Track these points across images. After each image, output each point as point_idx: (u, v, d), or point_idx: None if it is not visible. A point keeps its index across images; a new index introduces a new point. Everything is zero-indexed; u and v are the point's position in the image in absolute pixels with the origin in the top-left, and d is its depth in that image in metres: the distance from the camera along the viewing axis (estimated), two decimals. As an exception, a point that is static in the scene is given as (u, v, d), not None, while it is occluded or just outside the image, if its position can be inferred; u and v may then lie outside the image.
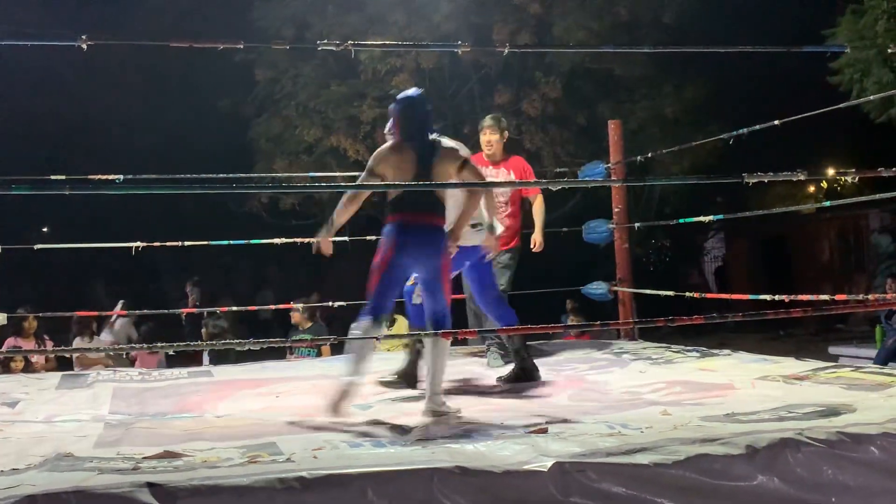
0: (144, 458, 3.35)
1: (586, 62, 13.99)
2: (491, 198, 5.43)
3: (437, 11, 13.92)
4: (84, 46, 3.25)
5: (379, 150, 4.80)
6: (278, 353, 7.98)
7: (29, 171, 7.15)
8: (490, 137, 6.34)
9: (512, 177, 6.27)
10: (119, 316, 9.06)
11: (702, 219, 6.64)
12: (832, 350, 11.12)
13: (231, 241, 7.47)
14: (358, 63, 13.85)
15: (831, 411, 3.86)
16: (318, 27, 14.27)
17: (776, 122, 6.25)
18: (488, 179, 6.16)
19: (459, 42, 3.67)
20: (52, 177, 6.81)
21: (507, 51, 3.92)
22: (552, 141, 14.14)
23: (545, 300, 6.75)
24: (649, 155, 7.60)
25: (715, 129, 13.33)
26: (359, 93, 14.27)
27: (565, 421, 3.86)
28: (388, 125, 4.94)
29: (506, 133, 6.46)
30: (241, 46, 3.55)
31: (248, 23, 14.66)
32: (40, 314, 7.91)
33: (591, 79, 14.45)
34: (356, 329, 4.62)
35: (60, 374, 6.43)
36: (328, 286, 20.26)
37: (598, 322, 4.76)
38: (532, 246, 6.42)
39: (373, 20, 14.07)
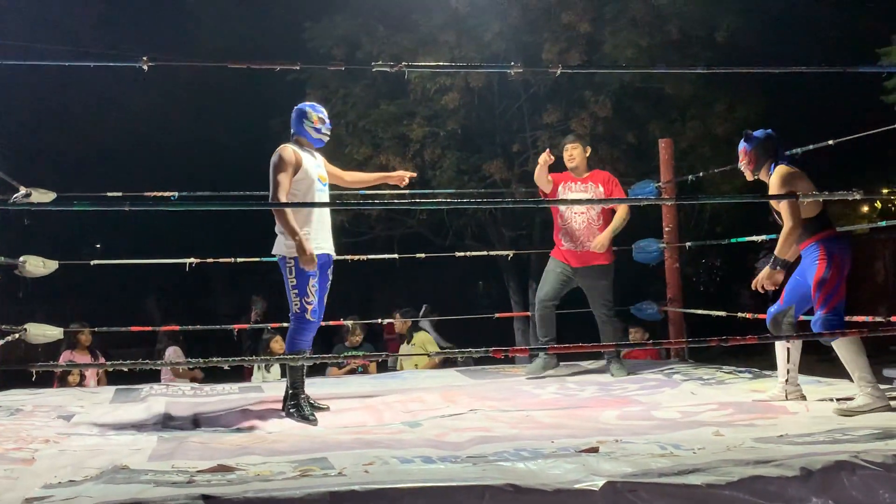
0: (199, 471, 3.40)
1: (636, 81, 13.90)
2: None
3: (487, 31, 13.95)
4: (145, 67, 3.33)
5: (788, 170, 4.93)
6: (319, 370, 8.05)
7: (85, 188, 7.31)
8: (573, 152, 6.68)
9: (601, 190, 6.63)
10: (168, 343, 9.11)
11: (754, 238, 6.58)
12: (886, 373, 10.89)
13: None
14: (407, 82, 13.91)
15: (887, 434, 3.80)
16: (368, 47, 14.37)
17: (830, 142, 6.20)
18: (579, 193, 6.65)
19: (512, 63, 3.67)
20: (110, 193, 6.94)
21: (559, 72, 3.93)
22: (602, 160, 14.04)
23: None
24: (700, 174, 7.53)
25: (767, 148, 13.22)
26: (408, 111, 14.32)
27: (616, 440, 3.84)
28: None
29: (588, 149, 6.83)
30: (298, 67, 3.61)
31: (300, 43, 14.82)
32: (95, 329, 8.05)
33: (642, 97, 14.35)
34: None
35: (114, 388, 6.53)
36: (376, 304, 20.41)
37: (652, 341, 4.71)
38: (593, 244, 6.54)
39: (423, 40, 14.13)
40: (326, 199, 5.50)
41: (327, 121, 5.50)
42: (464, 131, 14.45)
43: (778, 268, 4.89)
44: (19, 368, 5.99)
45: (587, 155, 6.77)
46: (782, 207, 4.75)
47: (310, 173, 5.29)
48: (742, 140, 5.15)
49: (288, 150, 5.23)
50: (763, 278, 4.93)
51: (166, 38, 16.97)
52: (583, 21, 13.87)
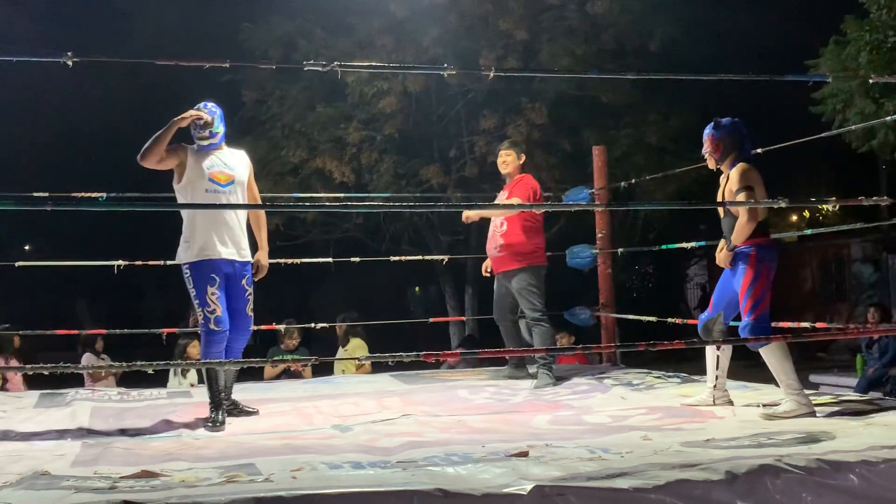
0: (122, 477, 3.33)
1: (572, 89, 14.06)
2: None
3: (424, 36, 13.97)
4: (69, 63, 3.26)
5: (750, 169, 4.92)
6: (257, 375, 7.96)
7: (11, 188, 7.12)
8: (505, 158, 6.66)
9: (505, 194, 6.62)
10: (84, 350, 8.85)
11: (684, 245, 6.69)
12: (813, 378, 11.15)
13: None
14: (345, 86, 13.86)
15: (811, 438, 3.88)
16: (305, 49, 14.28)
17: (758, 150, 6.30)
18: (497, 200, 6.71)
19: (446, 65, 3.67)
20: (37, 193, 6.77)
21: (492, 74, 3.94)
22: (537, 166, 14.13)
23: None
24: (633, 181, 7.60)
25: (700, 157, 13.43)
26: (345, 115, 14.27)
27: (546, 445, 3.86)
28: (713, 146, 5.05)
29: (523, 156, 6.77)
30: (227, 65, 3.57)
31: (236, 44, 14.66)
32: (21, 332, 7.85)
33: (577, 105, 14.50)
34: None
35: (38, 392, 6.37)
36: (310, 307, 20.27)
37: (580, 346, 4.74)
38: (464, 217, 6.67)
39: (361, 44, 14.10)
40: (229, 201, 5.12)
41: (199, 123, 5.09)
42: (401, 136, 14.44)
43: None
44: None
45: (521, 162, 6.71)
46: (741, 206, 4.79)
47: (197, 173, 5.04)
48: (710, 126, 5.09)
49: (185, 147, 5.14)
50: (723, 260, 5.04)
51: (98, 38, 16.67)
52: (520, 28, 13.97)
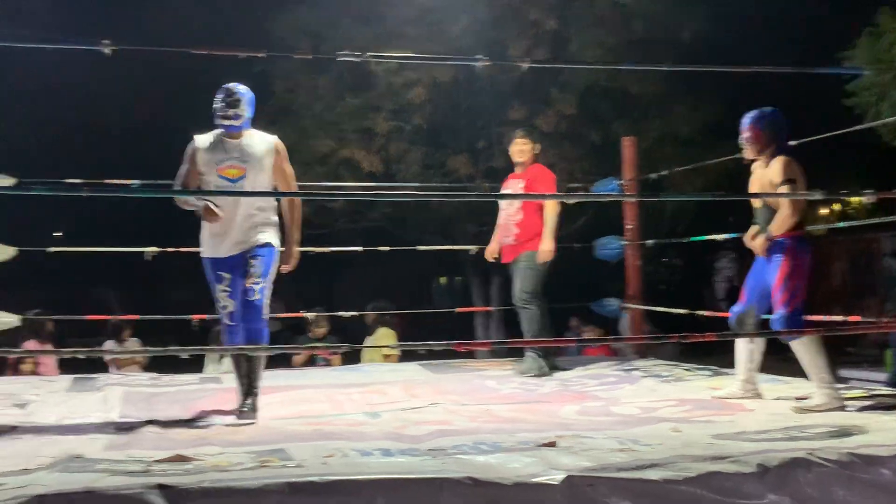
0: (155, 461, 3.37)
1: (602, 80, 13.98)
2: None
3: (453, 26, 13.94)
4: (107, 51, 3.29)
5: (792, 162, 4.89)
6: (286, 362, 8.00)
7: (46, 175, 7.19)
8: (522, 147, 6.56)
9: (522, 185, 6.51)
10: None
11: (714, 237, 6.65)
12: (843, 373, 11.06)
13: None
14: (373, 76, 13.88)
15: (843, 432, 3.86)
16: (333, 40, 14.27)
17: (791, 143, 6.25)
18: (507, 191, 6.61)
19: (478, 56, 3.66)
20: (69, 180, 6.84)
21: (527, 66, 3.91)
22: (566, 157, 14.10)
23: (554, 315, 6.79)
24: (664, 172, 7.55)
25: (729, 149, 13.30)
26: (374, 105, 14.28)
27: (575, 435, 3.86)
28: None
29: (538, 145, 6.68)
30: (264, 55, 3.59)
31: (264, 34, 14.70)
32: (55, 317, 7.93)
33: (606, 96, 14.41)
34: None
35: (72, 377, 6.44)
36: (336, 296, 20.33)
37: (612, 337, 4.73)
38: (539, 255, 6.36)
39: (389, 34, 14.08)
40: (239, 198, 4.84)
41: (219, 104, 4.85)
42: (429, 126, 14.44)
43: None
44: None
45: (536, 152, 6.63)
46: (783, 198, 4.75)
47: (207, 169, 4.86)
48: (753, 116, 5.03)
49: (193, 141, 4.94)
50: (759, 247, 4.98)
51: (127, 26, 16.76)
52: (549, 19, 13.92)
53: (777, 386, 5.43)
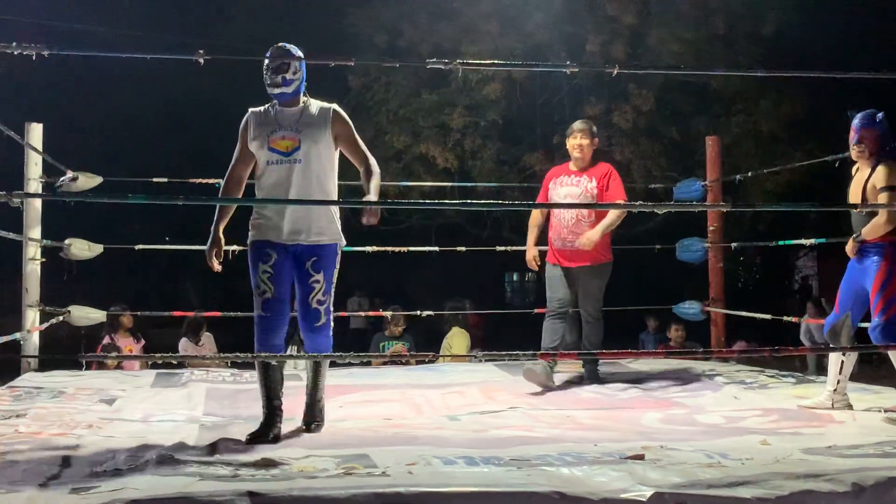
0: (242, 464, 3.40)
1: (681, 75, 13.79)
2: None
3: (529, 21, 13.88)
4: (201, 61, 3.33)
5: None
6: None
7: (128, 169, 7.34)
8: (581, 142, 6.12)
9: (593, 184, 6.07)
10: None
11: (802, 242, 6.46)
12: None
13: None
14: (449, 72, 13.89)
15: (940, 449, 3.72)
16: (409, 35, 14.36)
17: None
18: (566, 191, 6.11)
19: (568, 63, 3.62)
20: (155, 179, 6.97)
21: (616, 72, 3.80)
22: (643, 154, 13.95)
23: (626, 315, 6.69)
24: (749, 174, 7.34)
25: (812, 145, 13.04)
26: (449, 101, 14.31)
27: (662, 447, 3.79)
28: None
29: (596, 140, 6.24)
30: (352, 63, 3.59)
31: (341, 28, 14.83)
32: (137, 312, 8.10)
33: (686, 91, 14.23)
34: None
35: (155, 372, 6.57)
36: (409, 292, 20.42)
37: (702, 350, 4.64)
38: (580, 240, 5.95)
39: (465, 29, 14.10)
40: (293, 172, 4.30)
41: (266, 70, 4.35)
42: (504, 122, 14.41)
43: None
44: (64, 357, 6.05)
45: (595, 146, 6.22)
46: (883, 201, 4.63)
47: (259, 143, 4.37)
48: (866, 119, 4.84)
49: (247, 114, 4.50)
50: (850, 250, 4.89)
51: (204, 18, 17.04)
52: (627, 13, 13.78)
53: (866, 396, 5.28)
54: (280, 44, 4.36)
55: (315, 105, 4.44)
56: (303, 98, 4.42)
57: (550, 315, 6.08)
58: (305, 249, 4.33)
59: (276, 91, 4.33)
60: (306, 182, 4.29)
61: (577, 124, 6.24)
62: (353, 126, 4.51)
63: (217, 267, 4.41)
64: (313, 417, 4.48)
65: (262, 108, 4.45)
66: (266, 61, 4.29)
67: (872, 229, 4.70)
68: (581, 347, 6.19)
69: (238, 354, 3.49)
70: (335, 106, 4.49)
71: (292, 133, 4.31)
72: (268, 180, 4.33)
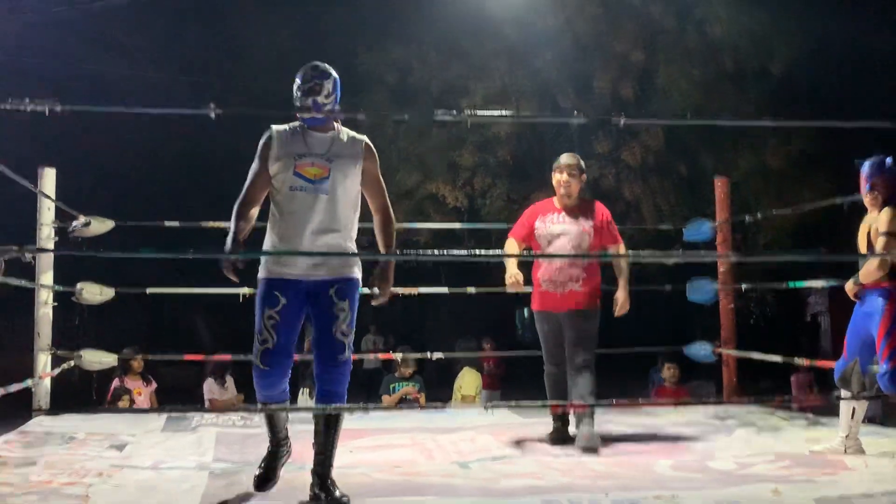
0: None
1: (690, 112, 13.83)
2: None
3: (537, 58, 13.98)
4: (212, 115, 3.37)
5: None
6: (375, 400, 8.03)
7: (141, 212, 7.38)
8: (570, 179, 5.59)
9: (589, 224, 5.58)
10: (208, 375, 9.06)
11: (813, 283, 6.43)
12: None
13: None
14: (459, 110, 13.98)
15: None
16: (419, 73, 14.47)
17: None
18: (560, 229, 5.60)
19: (576, 112, 3.65)
20: (167, 223, 7.00)
21: (623, 122, 3.77)
22: (652, 191, 13.98)
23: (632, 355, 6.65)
24: (758, 216, 7.29)
25: (821, 181, 13.04)
26: (459, 139, 14.38)
27: (673, 496, 3.77)
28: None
29: (584, 176, 5.71)
30: (362, 117, 3.62)
31: (352, 68, 14.94)
32: (149, 356, 8.11)
33: (694, 128, 14.26)
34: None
35: (165, 416, 6.56)
36: (420, 328, 20.41)
37: (713, 400, 4.61)
38: (615, 308, 5.62)
39: (474, 67, 14.20)
40: (318, 203, 3.95)
41: (302, 87, 4.01)
42: (514, 160, 14.45)
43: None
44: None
45: (582, 183, 5.69)
46: (880, 247, 4.64)
47: (283, 165, 3.97)
48: (873, 166, 4.83)
49: (269, 130, 4.09)
50: (849, 290, 4.94)
51: (218, 57, 17.18)
52: (635, 50, 13.85)
53: (879, 440, 5.24)
54: (315, 63, 4.07)
55: (346, 134, 4.13)
56: (335, 123, 4.11)
57: (548, 372, 5.66)
58: (327, 280, 3.96)
59: (306, 115, 3.99)
60: (330, 215, 3.96)
61: (564, 158, 5.67)
62: (379, 165, 4.22)
63: (234, 277, 3.99)
64: (326, 490, 3.93)
65: (286, 127, 4.07)
66: (299, 80, 4.01)
67: (866, 274, 4.72)
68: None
69: (249, 406, 3.48)
70: (367, 139, 4.18)
71: (322, 161, 3.96)
72: (289, 206, 3.95)
